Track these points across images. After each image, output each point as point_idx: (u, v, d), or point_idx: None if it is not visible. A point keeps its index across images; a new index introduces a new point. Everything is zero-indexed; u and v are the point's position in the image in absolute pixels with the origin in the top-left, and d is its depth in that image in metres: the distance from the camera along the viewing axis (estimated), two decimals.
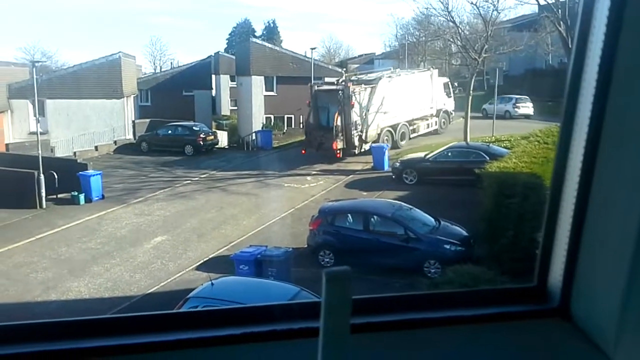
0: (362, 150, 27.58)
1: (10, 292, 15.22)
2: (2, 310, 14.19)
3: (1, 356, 1.19)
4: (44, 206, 22.33)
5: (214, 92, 44.24)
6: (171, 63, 78.26)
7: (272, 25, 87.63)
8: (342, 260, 15.02)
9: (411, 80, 31.19)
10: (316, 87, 29.22)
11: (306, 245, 16.30)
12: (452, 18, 29.68)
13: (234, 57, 47.72)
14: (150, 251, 17.50)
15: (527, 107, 38.60)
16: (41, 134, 24.75)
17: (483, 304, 1.48)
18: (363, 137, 27.44)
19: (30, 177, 22.38)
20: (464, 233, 15.51)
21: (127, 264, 16.49)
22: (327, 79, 34.48)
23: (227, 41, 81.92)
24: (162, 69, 67.14)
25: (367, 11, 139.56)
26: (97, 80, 32.54)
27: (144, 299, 14.34)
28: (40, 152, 23.19)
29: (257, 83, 43.90)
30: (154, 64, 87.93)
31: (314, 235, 16.14)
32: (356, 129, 27.12)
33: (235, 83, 45.96)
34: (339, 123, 26.66)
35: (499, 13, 30.06)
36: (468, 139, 27.76)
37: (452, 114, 34.39)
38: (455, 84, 37.02)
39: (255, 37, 65.44)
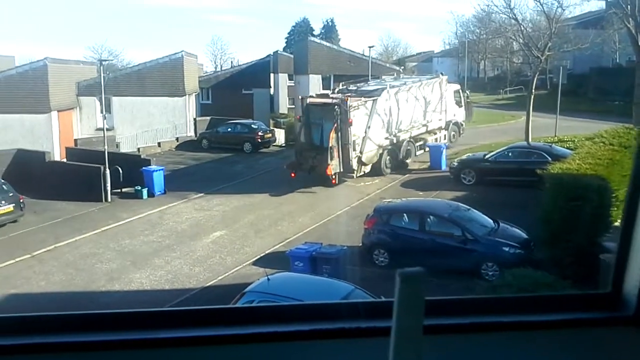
0: (362, 173, 24.01)
1: (77, 281, 15.92)
2: (69, 298, 14.85)
3: (68, 343, 1.24)
4: (109, 200, 23.14)
5: (272, 91, 44.76)
6: (231, 62, 79.75)
7: (330, 23, 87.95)
8: (397, 260, 14.94)
9: (418, 90, 27.72)
10: (308, 99, 24.87)
11: (361, 244, 16.29)
12: (515, 15, 28.97)
13: (292, 56, 48.13)
14: (209, 245, 17.93)
15: None
16: (107, 130, 25.71)
17: (554, 309, 1.44)
18: (363, 158, 23.62)
19: (96, 171, 23.27)
20: (524, 235, 15.13)
21: (187, 258, 16.95)
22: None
23: (286, 40, 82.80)
24: (223, 68, 68.53)
25: (426, 8, 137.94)
26: (161, 78, 33.51)
27: (203, 292, 14.71)
28: (106, 147, 23.93)
29: (315, 82, 44.15)
30: (215, 62, 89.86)
31: (369, 234, 16.10)
32: (354, 149, 23.14)
33: (293, 82, 46.39)
34: (334, 143, 22.70)
35: (564, 10, 29.24)
36: (529, 139, 27.07)
37: (462, 125, 31.68)
38: (467, 91, 34.04)
39: (313, 35, 65.87)
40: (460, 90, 31.72)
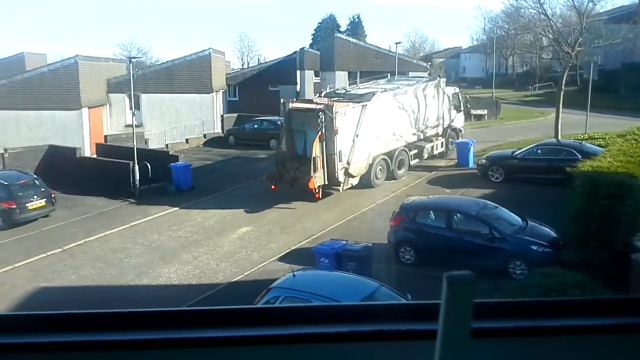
0: (350, 186, 21.79)
1: (106, 275, 16.19)
2: (98, 292, 15.11)
3: (82, 342, 1.24)
4: (138, 195, 23.50)
5: (298, 87, 44.85)
6: (258, 59, 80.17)
7: (356, 20, 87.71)
8: (423, 258, 14.88)
9: (413, 94, 25.36)
10: (290, 104, 22.33)
11: (386, 241, 16.24)
12: (544, 10, 28.48)
13: (318, 52, 48.16)
14: (235, 241, 18.07)
15: None
16: (136, 126, 26.03)
17: (605, 313, 1.37)
18: (350, 170, 21.36)
19: (125, 167, 23.61)
20: (553, 234, 14.90)
21: (214, 253, 17.12)
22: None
23: (312, 37, 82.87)
24: (250, 65, 68.86)
25: (453, 4, 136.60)
26: (189, 75, 33.84)
27: (229, 287, 14.84)
28: (135, 144, 24.26)
29: (341, 78, 44.13)
30: (242, 59, 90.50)
31: (395, 231, 16.03)
32: (341, 160, 20.84)
33: (319, 78, 46.43)
34: (318, 153, 20.48)
35: (595, 4, 28.61)
36: (559, 136, 26.65)
37: (461, 131, 29.24)
38: (467, 96, 30.82)
39: (340, 32, 65.77)
40: (459, 94, 29.42)
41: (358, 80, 44.27)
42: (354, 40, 50.03)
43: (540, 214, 16.16)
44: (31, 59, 48.79)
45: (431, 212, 16.26)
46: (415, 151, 25.31)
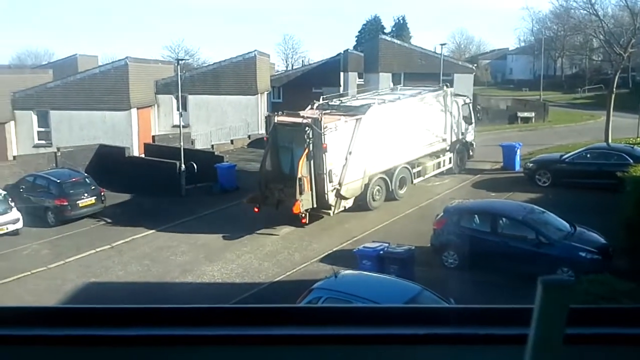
0: (342, 209, 19.59)
1: (153, 272, 16.59)
2: (144, 288, 15.51)
3: (117, 337, 1.25)
4: (184, 194, 23.96)
5: (341, 89, 44.90)
6: (302, 61, 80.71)
7: (401, 21, 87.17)
8: (467, 262, 14.69)
9: (415, 105, 22.87)
10: (276, 118, 20.19)
11: (429, 245, 16.11)
12: (595, 11, 27.80)
13: (362, 54, 48.11)
14: (278, 241, 18.22)
15: None
16: (183, 127, 26.50)
17: None
18: (342, 191, 19.12)
19: (173, 167, 24.10)
20: (602, 241, 14.49)
21: (257, 252, 17.31)
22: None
23: (356, 39, 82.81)
24: (294, 67, 69.36)
25: (500, 4, 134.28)
26: (234, 77, 34.28)
27: (272, 287, 14.99)
28: (182, 144, 24.64)
29: (385, 80, 43.96)
30: (286, 61, 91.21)
31: (438, 235, 15.88)
32: (331, 180, 18.61)
33: (362, 80, 46.36)
34: (305, 173, 18.30)
35: None
36: (609, 140, 25.90)
37: (473, 145, 26.40)
38: (479, 106, 28.02)
39: (384, 33, 65.54)
40: (470, 105, 26.65)
41: (402, 81, 44.10)
42: (398, 42, 49.78)
43: (589, 219, 15.71)
44: (83, 60, 50.36)
45: (476, 215, 16.04)
46: (419, 168, 22.76)
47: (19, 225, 19.71)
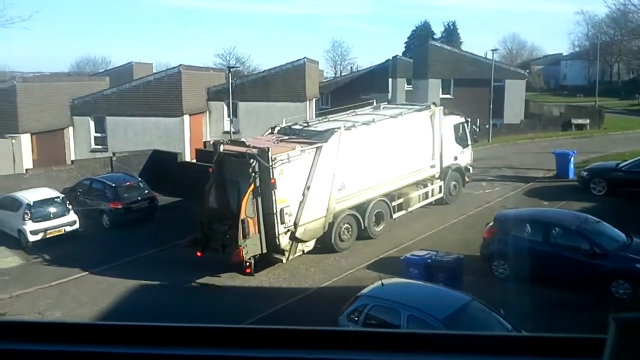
0: (299, 253, 16.91)
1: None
2: (188, 291, 15.79)
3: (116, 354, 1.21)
4: None
5: (389, 96, 44.76)
6: (351, 67, 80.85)
7: (451, 27, 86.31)
8: (518, 272, 14.36)
9: (394, 128, 19.53)
10: (222, 146, 16.98)
11: (479, 254, 15.85)
12: None
13: (411, 60, 47.87)
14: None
15: None
16: (233, 133, 26.96)
17: None
18: (298, 233, 16.38)
19: None
20: None
21: (303, 258, 17.33)
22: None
23: (405, 45, 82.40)
24: (342, 74, 69.53)
25: (553, 9, 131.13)
26: (283, 84, 34.61)
27: (318, 292, 15.04)
28: None
29: (434, 86, 43.60)
30: (335, 68, 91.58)
31: (488, 243, 15.59)
32: (283, 221, 15.89)
33: (411, 86, 46.08)
34: (250, 213, 15.50)
35: None
36: None
37: (470, 170, 23.31)
38: (474, 125, 24.37)
39: (434, 39, 64.98)
40: (465, 124, 22.88)
41: (451, 88, 43.56)
42: (448, 48, 49.30)
43: None
44: (139, 68, 51.93)
45: (527, 224, 15.65)
46: (400, 200, 19.71)
47: (76, 226, 20.40)
